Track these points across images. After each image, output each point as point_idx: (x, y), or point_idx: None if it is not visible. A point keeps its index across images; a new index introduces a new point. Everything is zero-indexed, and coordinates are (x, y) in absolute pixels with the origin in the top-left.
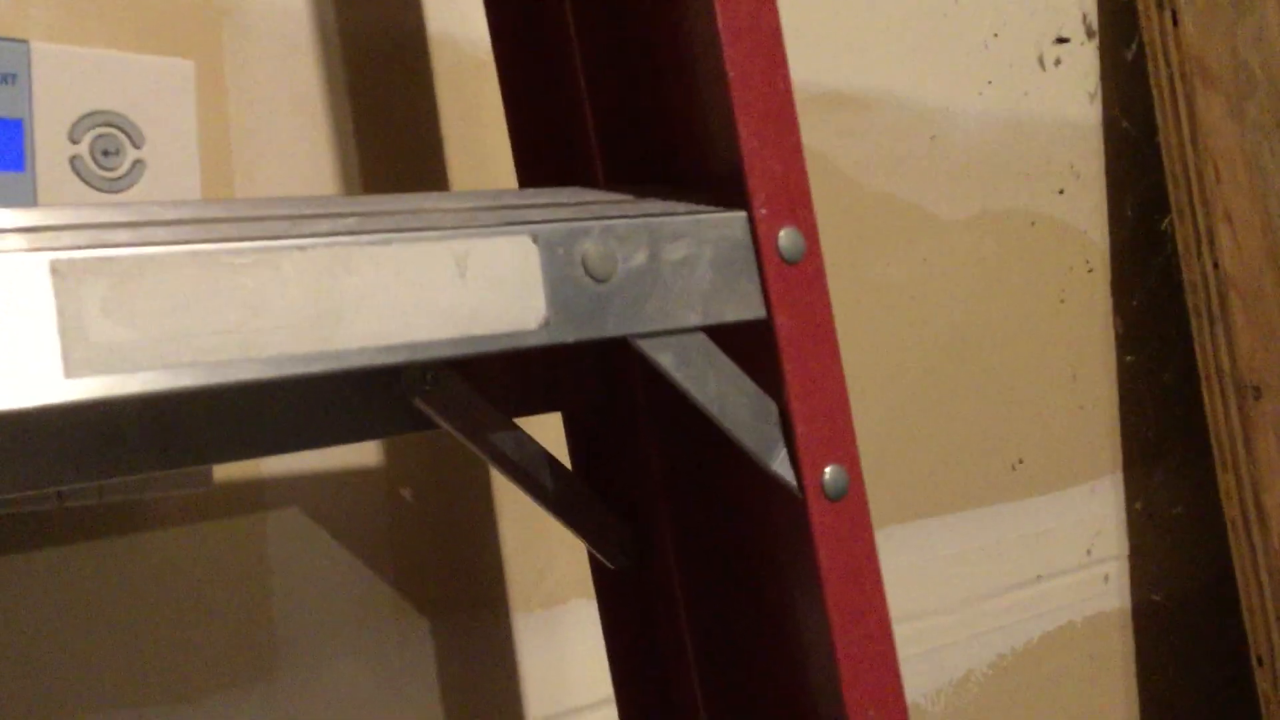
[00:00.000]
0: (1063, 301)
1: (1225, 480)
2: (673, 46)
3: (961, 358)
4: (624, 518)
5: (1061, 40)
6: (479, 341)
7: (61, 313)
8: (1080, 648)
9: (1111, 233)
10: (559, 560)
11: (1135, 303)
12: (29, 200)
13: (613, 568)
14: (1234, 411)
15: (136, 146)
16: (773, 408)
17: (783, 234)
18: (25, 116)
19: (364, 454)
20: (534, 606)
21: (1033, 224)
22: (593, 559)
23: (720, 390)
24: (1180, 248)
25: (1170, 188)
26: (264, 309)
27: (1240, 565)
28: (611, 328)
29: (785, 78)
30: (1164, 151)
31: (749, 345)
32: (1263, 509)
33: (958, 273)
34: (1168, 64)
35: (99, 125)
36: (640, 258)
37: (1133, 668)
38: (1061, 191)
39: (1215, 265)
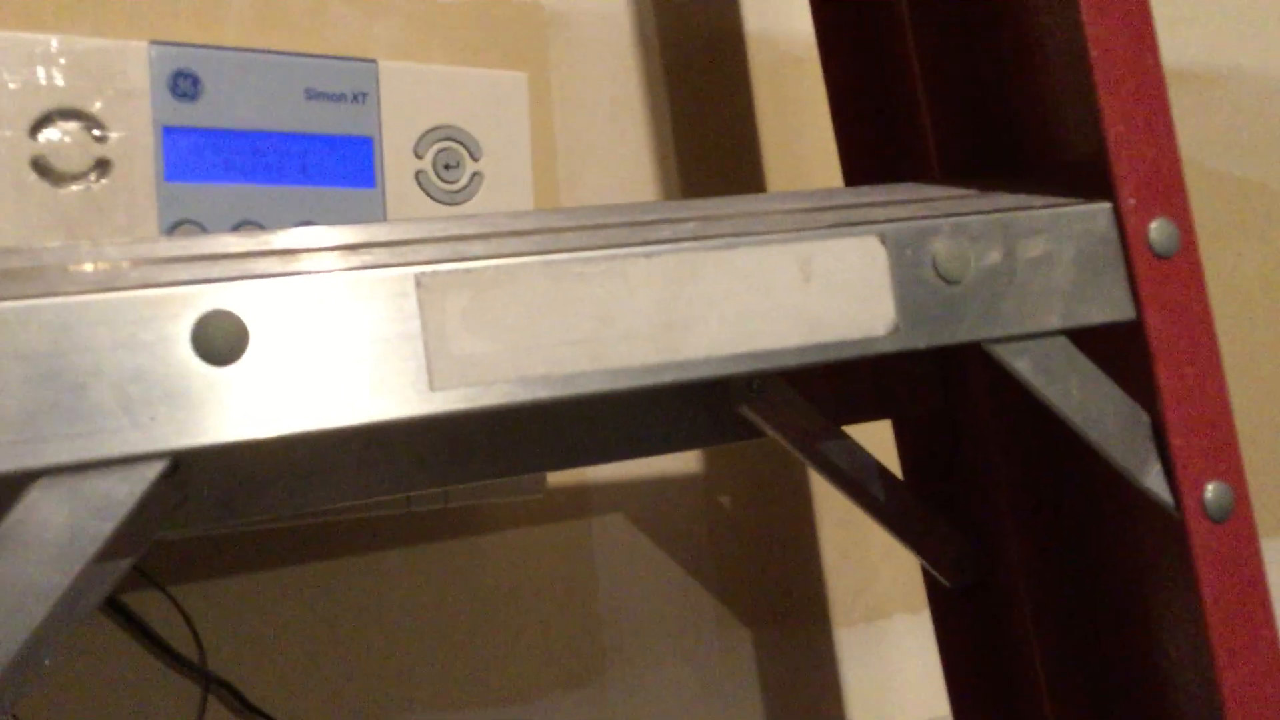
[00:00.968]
0: None
1: None
2: (1017, 28)
3: None
4: (963, 533)
5: None
6: (826, 349)
7: (426, 326)
8: None
9: None
10: (881, 573)
11: None
12: (379, 216)
13: (948, 585)
14: None
15: (475, 159)
16: (1144, 417)
17: (1154, 226)
18: (375, 134)
19: (682, 461)
20: (855, 620)
21: None
22: (926, 575)
23: (1084, 398)
24: None
25: None
26: (613, 319)
27: None
28: (964, 333)
29: (1154, 53)
30: None
31: (1115, 349)
32: None
33: None
34: None
35: (441, 140)
36: (994, 256)
37: None
38: None
39: None
